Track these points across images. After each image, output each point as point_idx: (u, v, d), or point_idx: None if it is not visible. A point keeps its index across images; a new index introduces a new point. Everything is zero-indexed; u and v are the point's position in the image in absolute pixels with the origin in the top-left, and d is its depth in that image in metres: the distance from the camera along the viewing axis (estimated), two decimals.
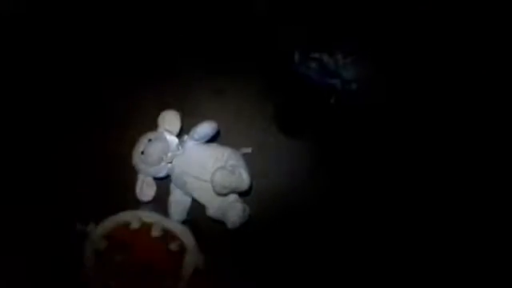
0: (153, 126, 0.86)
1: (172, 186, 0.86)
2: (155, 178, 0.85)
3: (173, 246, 0.79)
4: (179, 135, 0.86)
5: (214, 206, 0.82)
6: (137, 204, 0.85)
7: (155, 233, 0.79)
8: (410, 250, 0.84)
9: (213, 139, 0.87)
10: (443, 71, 0.92)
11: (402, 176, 0.88)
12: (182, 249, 0.79)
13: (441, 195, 0.87)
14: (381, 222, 0.86)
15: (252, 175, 0.82)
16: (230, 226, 0.81)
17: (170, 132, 0.85)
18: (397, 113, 0.88)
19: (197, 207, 0.84)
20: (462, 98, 0.90)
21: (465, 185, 0.87)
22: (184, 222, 0.84)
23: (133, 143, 0.85)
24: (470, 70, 0.91)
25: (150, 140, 0.83)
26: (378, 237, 0.85)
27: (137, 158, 0.84)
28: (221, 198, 0.82)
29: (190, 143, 0.84)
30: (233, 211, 0.82)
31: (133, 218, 0.81)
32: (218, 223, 0.83)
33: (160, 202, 0.85)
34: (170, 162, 0.83)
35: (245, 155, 0.87)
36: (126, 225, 0.80)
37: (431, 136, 0.89)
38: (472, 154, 0.88)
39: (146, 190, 0.85)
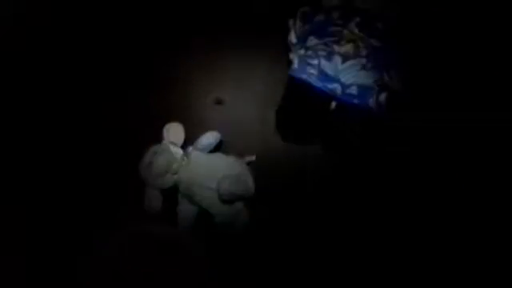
0: (157, 138, 0.88)
1: (179, 196, 0.87)
2: (162, 190, 0.87)
3: (181, 255, 0.80)
4: (183, 146, 0.88)
5: (222, 213, 0.84)
6: (145, 215, 0.86)
7: (163, 243, 0.81)
8: (417, 259, 0.85)
9: (217, 149, 0.88)
10: (451, 70, 0.91)
11: (406, 182, 0.89)
12: (191, 257, 0.81)
13: (443, 195, 0.88)
14: (385, 225, 0.87)
15: (257, 182, 0.84)
16: (237, 232, 0.83)
17: (175, 144, 0.87)
18: (399, 117, 0.88)
19: (204, 215, 0.86)
20: (472, 102, 0.90)
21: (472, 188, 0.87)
22: (192, 231, 0.85)
23: (137, 156, 0.86)
24: (481, 71, 0.91)
25: (155, 153, 0.85)
26: (382, 239, 0.86)
27: (143, 171, 0.85)
28: (228, 206, 0.84)
29: (194, 154, 0.86)
30: (240, 218, 0.83)
31: (142, 229, 0.82)
32: (226, 230, 0.84)
33: (168, 213, 0.87)
34: (176, 174, 0.85)
35: (249, 163, 0.89)
36: (136, 235, 0.82)
37: (436, 139, 0.90)
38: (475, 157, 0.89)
39: (153, 201, 0.86)
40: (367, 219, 0.88)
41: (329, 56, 0.85)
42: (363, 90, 0.85)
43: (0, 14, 0.95)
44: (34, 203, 0.88)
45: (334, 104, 0.86)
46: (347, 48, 0.85)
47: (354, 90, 0.85)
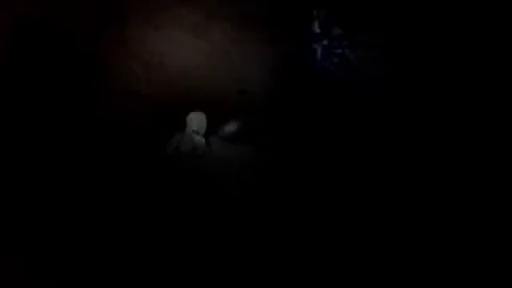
0: (181, 126, 0.91)
1: None
2: None
3: None
4: (206, 135, 0.90)
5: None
6: None
7: None
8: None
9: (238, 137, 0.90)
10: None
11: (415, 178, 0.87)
12: None
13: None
14: (390, 216, 0.87)
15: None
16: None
17: (198, 132, 0.90)
18: (419, 108, 0.87)
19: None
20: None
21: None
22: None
23: (158, 144, 0.90)
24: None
25: (178, 141, 0.89)
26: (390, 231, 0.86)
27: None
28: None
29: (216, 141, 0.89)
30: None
31: None
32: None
33: None
34: None
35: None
36: None
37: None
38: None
39: None
40: (380, 205, 0.88)
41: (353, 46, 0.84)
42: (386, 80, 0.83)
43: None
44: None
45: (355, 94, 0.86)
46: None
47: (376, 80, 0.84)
